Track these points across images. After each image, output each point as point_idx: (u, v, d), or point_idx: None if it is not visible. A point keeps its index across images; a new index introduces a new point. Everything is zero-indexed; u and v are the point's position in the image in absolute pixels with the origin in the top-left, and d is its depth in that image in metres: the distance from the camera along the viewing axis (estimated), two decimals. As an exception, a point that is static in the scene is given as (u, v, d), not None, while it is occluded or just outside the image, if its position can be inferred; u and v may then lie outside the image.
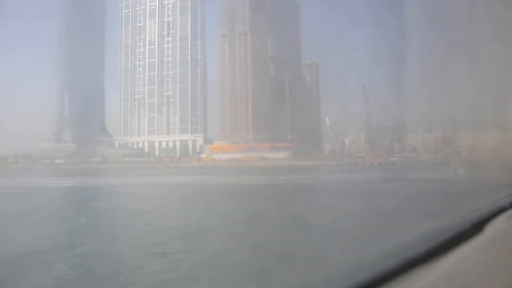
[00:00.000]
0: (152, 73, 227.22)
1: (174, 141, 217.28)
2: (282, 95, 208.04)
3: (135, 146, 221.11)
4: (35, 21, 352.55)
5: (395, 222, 20.95)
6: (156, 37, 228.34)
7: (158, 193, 48.93)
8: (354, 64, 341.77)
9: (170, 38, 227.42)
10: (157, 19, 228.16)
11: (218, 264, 15.27)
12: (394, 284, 2.59)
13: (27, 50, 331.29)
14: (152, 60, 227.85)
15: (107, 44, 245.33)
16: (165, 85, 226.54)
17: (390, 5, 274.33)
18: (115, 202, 37.77)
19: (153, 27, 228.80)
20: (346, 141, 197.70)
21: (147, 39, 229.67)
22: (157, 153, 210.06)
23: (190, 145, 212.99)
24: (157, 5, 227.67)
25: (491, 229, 3.78)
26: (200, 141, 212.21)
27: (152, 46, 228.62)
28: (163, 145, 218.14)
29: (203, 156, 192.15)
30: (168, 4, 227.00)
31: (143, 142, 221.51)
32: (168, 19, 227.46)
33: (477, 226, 3.75)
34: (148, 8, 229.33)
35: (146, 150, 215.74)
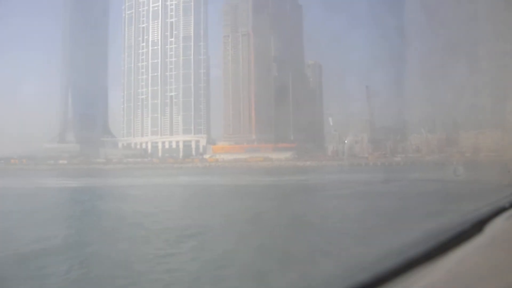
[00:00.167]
0: (155, 74, 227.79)
1: (177, 142, 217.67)
2: (285, 95, 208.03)
3: (138, 146, 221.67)
4: (38, 22, 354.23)
5: (397, 222, 21.17)
6: (159, 38, 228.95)
7: (165, 194, 48.99)
8: (356, 64, 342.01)
9: (173, 39, 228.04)
10: (160, 20, 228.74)
11: (230, 262, 15.50)
12: (394, 284, 2.58)
13: (31, 51, 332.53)
14: (155, 60, 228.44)
15: (110, 45, 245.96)
16: (168, 85, 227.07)
17: (390, 5, 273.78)
18: (124, 203, 37.93)
19: (156, 28, 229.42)
20: (346, 141, 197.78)
21: (150, 39, 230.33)
22: (160, 154, 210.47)
23: (193, 145, 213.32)
24: (160, 6, 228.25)
25: (491, 229, 3.77)
26: (203, 142, 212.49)
27: (155, 47, 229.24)
28: (166, 146, 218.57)
29: (207, 156, 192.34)
30: (171, 5, 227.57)
31: (146, 142, 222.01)
32: (171, 20, 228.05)
33: (477, 226, 3.74)
34: (151, 9, 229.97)
35: (149, 151, 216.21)
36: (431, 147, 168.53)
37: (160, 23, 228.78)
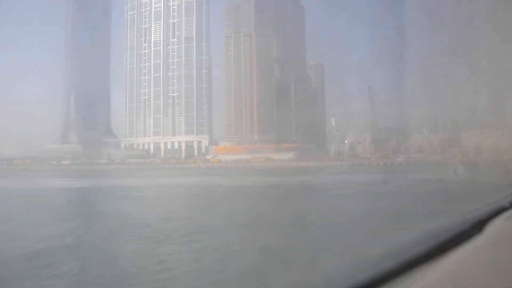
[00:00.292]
0: (158, 74, 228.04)
1: (179, 142, 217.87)
2: (287, 96, 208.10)
3: (140, 147, 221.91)
4: (41, 23, 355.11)
5: (397, 221, 21.48)
6: (161, 39, 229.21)
7: (171, 196, 49.12)
8: (358, 64, 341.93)
9: (175, 40, 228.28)
10: (162, 21, 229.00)
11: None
12: (394, 284, 2.59)
13: (33, 52, 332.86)
14: (158, 61, 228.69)
15: (113, 45, 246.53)
16: (170, 86, 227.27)
17: (391, 4, 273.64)
18: (132, 204, 38.03)
19: (158, 28, 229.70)
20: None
21: (152, 40, 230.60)
22: (162, 154, 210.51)
23: (195, 146, 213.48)
24: (162, 6, 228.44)
25: (491, 229, 3.81)
26: (205, 142, 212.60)
27: (158, 48, 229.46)
28: (169, 146, 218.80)
29: (209, 157, 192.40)
30: (173, 5, 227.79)
31: (149, 143, 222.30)
32: (173, 20, 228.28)
33: (477, 226, 3.79)
34: (153, 9, 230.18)
35: (151, 151, 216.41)
36: (433, 147, 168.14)
37: (162, 23, 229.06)
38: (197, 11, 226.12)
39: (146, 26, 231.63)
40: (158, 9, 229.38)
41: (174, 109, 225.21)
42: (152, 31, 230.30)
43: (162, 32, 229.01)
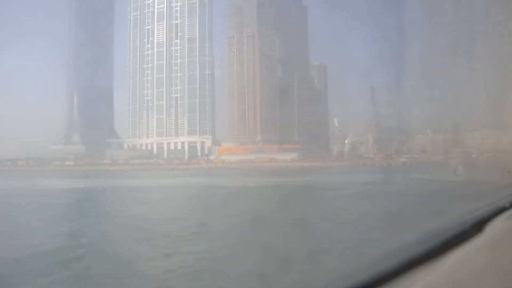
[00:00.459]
0: (161, 75, 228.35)
1: (182, 143, 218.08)
2: (290, 96, 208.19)
3: (143, 148, 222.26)
4: (43, 25, 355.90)
5: (398, 219, 21.81)
6: (164, 39, 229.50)
7: (179, 196, 49.33)
8: (360, 64, 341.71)
9: (178, 40, 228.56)
10: (165, 22, 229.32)
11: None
12: (394, 284, 2.58)
13: (36, 53, 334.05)
14: (161, 62, 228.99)
15: (116, 46, 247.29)
16: (173, 87, 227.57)
17: (392, 4, 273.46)
18: (142, 205, 38.27)
19: (161, 29, 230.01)
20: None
21: (155, 41, 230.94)
22: (165, 155, 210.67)
23: (198, 146, 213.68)
24: (165, 7, 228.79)
25: (491, 229, 3.81)
26: (208, 143, 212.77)
27: (161, 48, 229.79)
28: (172, 147, 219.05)
29: (212, 157, 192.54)
30: (176, 6, 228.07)
31: (152, 144, 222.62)
32: (176, 21, 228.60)
33: (477, 226, 3.80)
34: (156, 10, 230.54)
35: (154, 152, 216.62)
36: (436, 147, 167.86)
37: (165, 24, 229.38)
38: (200, 12, 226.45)
39: (149, 27, 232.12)
40: (161, 10, 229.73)
41: (177, 110, 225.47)
42: (155, 32, 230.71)
43: (165, 33, 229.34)
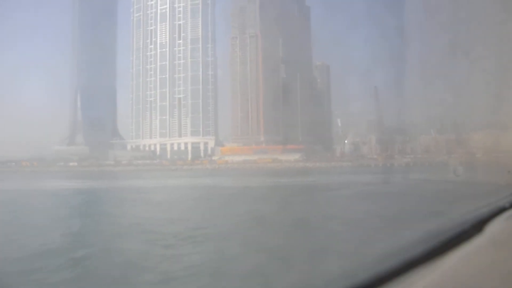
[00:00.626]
0: (164, 76, 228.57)
1: (185, 144, 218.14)
2: (293, 96, 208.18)
3: (147, 148, 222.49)
4: (46, 26, 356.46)
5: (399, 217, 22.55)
6: (167, 40, 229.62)
7: (187, 197, 49.46)
8: (362, 64, 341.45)
9: (181, 41, 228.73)
10: (168, 22, 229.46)
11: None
12: (394, 284, 2.58)
13: (39, 54, 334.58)
14: (164, 63, 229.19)
15: (119, 47, 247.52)
16: (176, 87, 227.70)
17: (392, 4, 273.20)
18: (150, 204, 38.52)
19: (164, 30, 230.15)
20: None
21: (158, 42, 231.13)
22: (168, 156, 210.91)
23: (201, 147, 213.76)
24: (168, 8, 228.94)
25: (491, 229, 3.81)
26: (211, 144, 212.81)
27: (163, 49, 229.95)
28: (175, 148, 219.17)
29: (216, 158, 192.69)
30: (179, 7, 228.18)
31: (155, 144, 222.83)
32: (179, 22, 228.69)
33: (477, 226, 3.80)
34: (159, 11, 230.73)
35: (158, 153, 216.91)
36: (440, 147, 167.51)
37: (168, 25, 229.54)
38: (203, 12, 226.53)
39: (152, 28, 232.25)
40: (164, 11, 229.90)
41: (180, 111, 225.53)
42: (158, 33, 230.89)
43: (168, 33, 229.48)
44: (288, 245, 17.92)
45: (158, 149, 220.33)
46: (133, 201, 42.95)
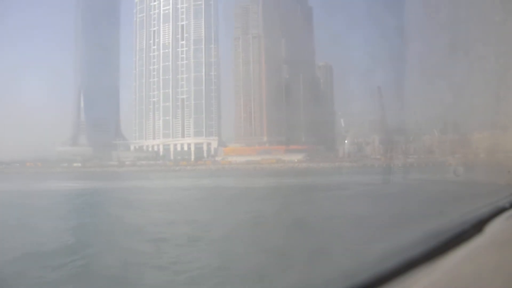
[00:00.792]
0: (167, 77, 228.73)
1: (188, 144, 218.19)
2: (296, 97, 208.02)
3: (150, 149, 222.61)
4: (50, 27, 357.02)
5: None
6: (170, 41, 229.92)
7: (193, 197, 49.59)
8: (364, 64, 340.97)
9: (184, 42, 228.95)
10: (171, 23, 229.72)
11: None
12: (394, 284, 2.58)
13: (43, 55, 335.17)
14: (167, 63, 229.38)
15: (122, 48, 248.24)
16: (179, 88, 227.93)
17: (393, 3, 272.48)
18: (159, 205, 38.65)
19: (167, 31, 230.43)
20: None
21: (161, 43, 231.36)
22: (172, 156, 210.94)
23: (204, 148, 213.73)
24: (171, 9, 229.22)
25: (491, 229, 3.81)
26: (214, 144, 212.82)
27: (167, 50, 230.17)
28: (178, 148, 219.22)
29: (219, 159, 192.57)
30: (182, 8, 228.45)
31: (158, 145, 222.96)
32: (182, 23, 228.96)
33: (477, 227, 3.80)
34: (162, 12, 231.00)
35: (161, 153, 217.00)
36: (444, 148, 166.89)
37: (171, 26, 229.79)
38: (206, 13, 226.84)
39: (155, 28, 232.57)
40: (167, 11, 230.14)
41: (183, 111, 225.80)
42: (161, 34, 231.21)
43: (171, 34, 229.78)
44: (300, 247, 18.01)
45: (161, 149, 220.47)
46: (141, 202, 43.06)
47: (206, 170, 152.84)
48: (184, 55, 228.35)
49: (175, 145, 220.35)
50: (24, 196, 50.58)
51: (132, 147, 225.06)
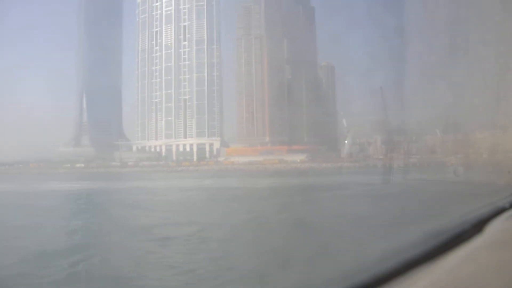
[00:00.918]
0: (169, 77, 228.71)
1: (191, 145, 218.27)
2: (298, 97, 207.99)
3: (152, 150, 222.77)
4: (52, 28, 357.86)
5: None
6: (173, 42, 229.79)
7: (199, 197, 49.85)
8: (366, 65, 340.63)
9: (186, 42, 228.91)
10: (173, 24, 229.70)
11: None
12: (395, 284, 2.59)
13: (45, 56, 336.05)
14: (169, 64, 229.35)
15: (124, 49, 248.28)
16: (182, 89, 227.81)
17: (393, 3, 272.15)
18: (168, 205, 38.89)
19: (169, 31, 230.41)
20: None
21: (164, 43, 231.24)
22: (174, 157, 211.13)
23: (207, 148, 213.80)
24: (173, 10, 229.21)
25: (491, 229, 3.81)
26: (217, 145, 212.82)
27: (169, 51, 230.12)
28: (180, 149, 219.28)
29: (221, 159, 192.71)
30: (184, 8, 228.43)
31: (161, 146, 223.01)
32: (184, 23, 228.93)
33: (477, 227, 3.81)
34: (164, 13, 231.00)
35: (163, 154, 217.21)
36: (446, 148, 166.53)
37: (173, 26, 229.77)
38: (208, 14, 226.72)
39: (157, 29, 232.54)
40: (169, 12, 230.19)
41: (185, 112, 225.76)
42: (163, 34, 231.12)
43: (173, 35, 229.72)
44: (302, 247, 18.26)
45: (163, 150, 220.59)
46: (146, 203, 43.32)
47: (209, 171, 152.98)
48: (186, 56, 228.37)
49: (178, 145, 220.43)
50: (34, 197, 50.96)
51: (134, 148, 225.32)
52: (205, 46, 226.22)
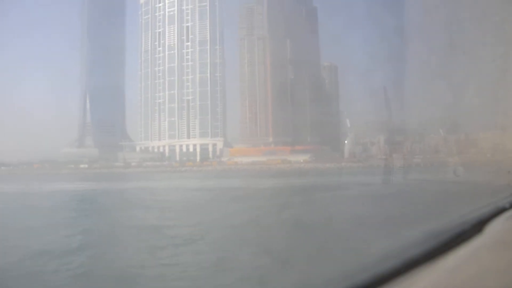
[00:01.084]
0: (172, 78, 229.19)
1: (194, 145, 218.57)
2: (301, 97, 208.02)
3: (156, 150, 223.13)
4: (55, 28, 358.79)
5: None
6: (176, 42, 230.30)
7: (205, 198, 50.01)
8: (368, 65, 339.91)
9: (189, 43, 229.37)
10: (176, 25, 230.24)
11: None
12: (395, 284, 2.60)
13: (49, 57, 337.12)
14: (172, 65, 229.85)
15: (127, 49, 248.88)
16: (185, 89, 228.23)
17: (393, 3, 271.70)
18: (176, 204, 39.13)
19: (172, 32, 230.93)
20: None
21: (167, 44, 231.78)
22: (178, 157, 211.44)
23: (210, 148, 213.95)
24: (176, 10, 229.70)
25: (491, 230, 3.80)
26: (220, 145, 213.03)
27: (172, 51, 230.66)
28: (184, 149, 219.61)
29: (225, 159, 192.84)
30: (187, 9, 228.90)
31: (164, 146, 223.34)
32: (187, 24, 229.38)
33: (477, 226, 3.80)
34: (167, 13, 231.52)
35: (166, 154, 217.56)
36: (449, 147, 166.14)
37: (176, 27, 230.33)
38: (211, 14, 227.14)
39: (160, 30, 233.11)
40: (172, 13, 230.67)
41: (189, 112, 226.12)
42: (166, 35, 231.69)
43: (176, 36, 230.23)
44: (303, 246, 18.45)
45: (167, 150, 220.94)
46: (152, 203, 43.52)
47: (212, 171, 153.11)
48: (190, 56, 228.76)
49: (181, 146, 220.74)
50: (39, 197, 51.21)
51: (138, 148, 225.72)
52: (208, 47, 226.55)
